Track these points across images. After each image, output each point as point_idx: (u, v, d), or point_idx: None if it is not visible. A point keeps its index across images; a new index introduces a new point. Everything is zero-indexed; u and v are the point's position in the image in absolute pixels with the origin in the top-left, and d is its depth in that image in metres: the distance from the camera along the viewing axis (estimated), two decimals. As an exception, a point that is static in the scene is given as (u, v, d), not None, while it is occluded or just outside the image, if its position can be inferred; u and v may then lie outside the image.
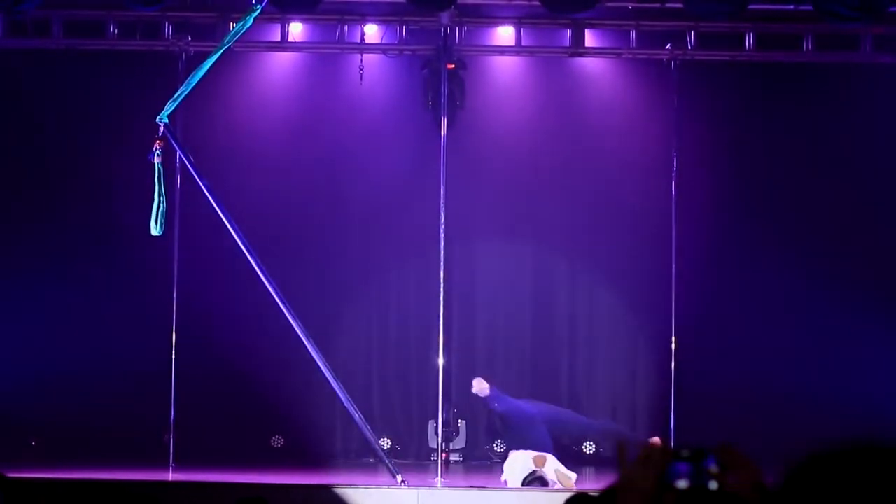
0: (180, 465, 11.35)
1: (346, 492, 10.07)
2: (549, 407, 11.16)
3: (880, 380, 12.97)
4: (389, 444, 12.75)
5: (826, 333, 13.13)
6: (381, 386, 13.29)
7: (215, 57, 10.17)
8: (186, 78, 10.30)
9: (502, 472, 10.76)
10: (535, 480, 10.50)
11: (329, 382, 10.33)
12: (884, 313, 13.11)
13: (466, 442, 13.23)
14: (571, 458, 13.23)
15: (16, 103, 13.28)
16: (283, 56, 13.49)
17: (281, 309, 10.39)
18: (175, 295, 11.82)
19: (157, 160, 10.03)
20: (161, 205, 10.04)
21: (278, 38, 12.98)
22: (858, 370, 13.06)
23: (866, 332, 13.07)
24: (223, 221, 10.35)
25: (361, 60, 13.12)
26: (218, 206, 10.38)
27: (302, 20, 12.99)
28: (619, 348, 13.43)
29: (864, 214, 13.35)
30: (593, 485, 11.20)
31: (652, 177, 13.26)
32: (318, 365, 10.32)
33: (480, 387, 11.19)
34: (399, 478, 10.09)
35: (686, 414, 12.02)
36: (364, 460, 11.94)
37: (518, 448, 10.65)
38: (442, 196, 11.33)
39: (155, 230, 10.05)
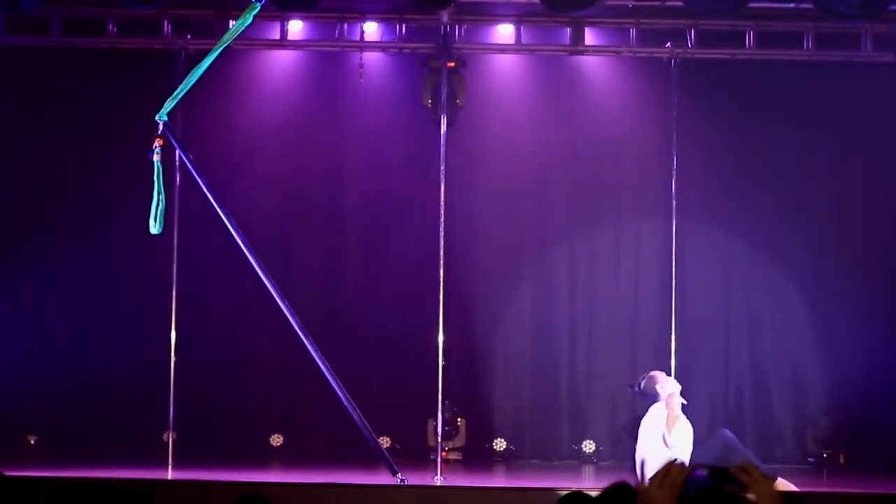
0: (179, 463, 11.34)
1: (345, 490, 10.06)
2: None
3: (885, 366, 13.00)
4: (389, 442, 12.74)
5: (829, 328, 13.13)
6: (380, 384, 13.28)
7: (214, 55, 10.15)
8: (186, 76, 10.28)
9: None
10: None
11: (328, 381, 10.31)
12: (886, 310, 13.12)
13: (466, 440, 13.22)
14: (570, 457, 13.27)
15: (14, 101, 13.26)
16: (283, 54, 13.48)
17: (280, 307, 10.38)
18: (174, 293, 11.80)
19: (156, 158, 10.01)
20: (160, 203, 10.02)
21: (278, 36, 12.98)
22: (865, 364, 13.06)
23: (872, 328, 13.08)
24: (222, 219, 10.34)
25: (361, 58, 13.12)
26: (217, 204, 10.37)
27: (301, 18, 12.99)
28: (619, 347, 13.41)
29: (865, 211, 13.36)
30: (594, 483, 11.21)
31: (652, 175, 13.26)
32: (316, 363, 10.31)
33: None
34: (398, 476, 10.08)
35: (685, 413, 12.00)
36: (363, 459, 11.91)
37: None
38: (442, 194, 11.32)
39: (154, 228, 10.02)
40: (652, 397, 9.84)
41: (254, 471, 11.56)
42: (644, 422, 9.76)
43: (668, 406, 9.66)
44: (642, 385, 9.94)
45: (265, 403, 13.37)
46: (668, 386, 9.80)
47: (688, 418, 9.78)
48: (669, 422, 9.57)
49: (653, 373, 9.99)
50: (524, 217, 13.57)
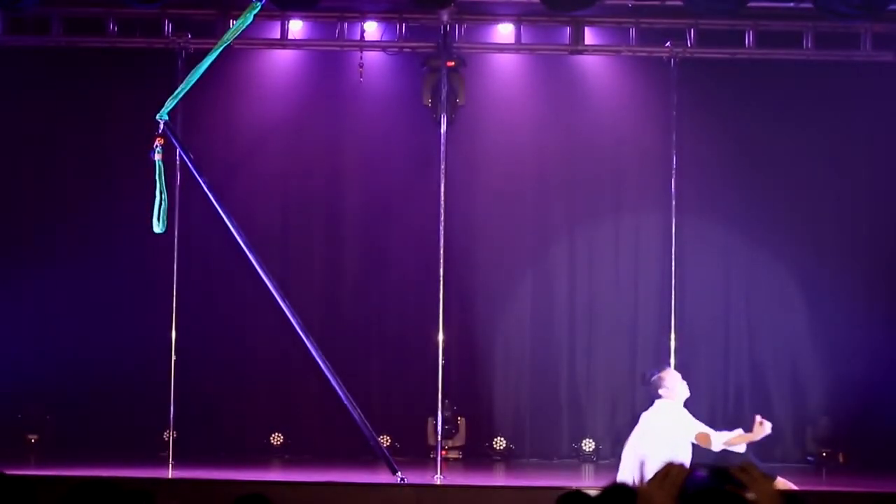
0: (180, 462, 11.35)
1: (345, 489, 10.08)
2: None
3: (885, 366, 13.00)
4: (389, 441, 12.75)
5: (828, 327, 13.13)
6: (380, 383, 13.29)
7: (215, 54, 10.16)
8: (186, 75, 10.29)
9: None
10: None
11: (328, 380, 10.33)
12: (885, 310, 13.13)
13: (466, 439, 13.23)
14: (570, 456, 13.28)
15: (14, 101, 13.27)
16: (283, 53, 13.48)
17: (280, 306, 10.39)
18: (174, 293, 11.81)
19: (157, 157, 10.03)
20: (163, 202, 10.04)
21: (278, 36, 12.99)
22: (865, 364, 13.06)
23: (872, 328, 13.09)
24: (223, 218, 10.35)
25: (361, 58, 13.12)
26: (217, 202, 10.38)
27: (301, 18, 13.00)
28: (619, 346, 13.41)
29: (865, 210, 13.36)
30: (594, 482, 11.21)
31: (651, 174, 13.27)
32: (317, 362, 10.32)
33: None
34: (398, 475, 10.09)
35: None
36: (363, 458, 11.93)
37: None
38: (442, 193, 11.33)
39: (157, 227, 10.04)
40: (655, 395, 9.77)
41: (254, 470, 11.57)
42: (645, 418, 9.63)
43: (755, 434, 9.41)
44: (652, 379, 9.88)
45: (265, 403, 13.37)
46: (673, 389, 9.65)
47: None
48: (737, 439, 9.39)
49: (664, 372, 9.81)
50: (524, 216, 13.57)
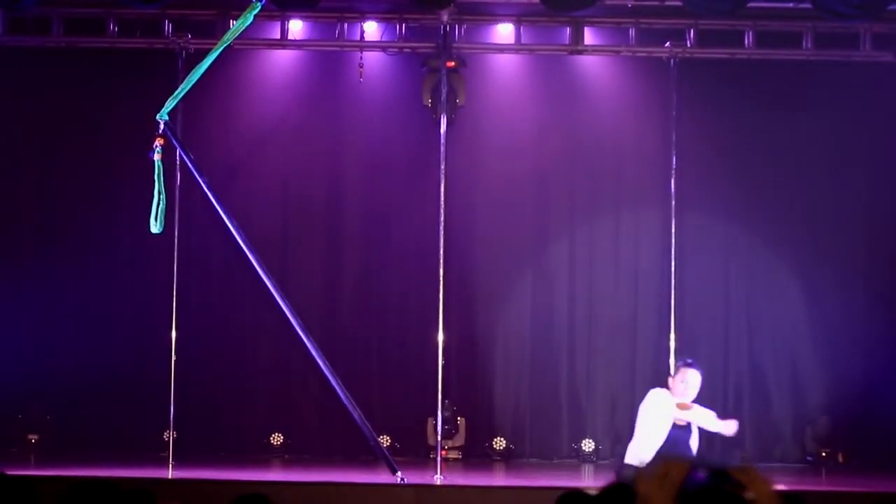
0: (180, 462, 11.35)
1: (344, 489, 10.08)
2: None
3: (884, 365, 13.01)
4: (388, 441, 12.75)
5: (828, 327, 13.13)
6: (380, 383, 13.29)
7: (215, 54, 10.16)
8: (186, 76, 10.30)
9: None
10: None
11: (328, 380, 10.33)
12: (885, 309, 13.13)
13: (466, 439, 13.23)
14: (570, 456, 13.28)
15: (14, 101, 13.27)
16: (283, 54, 13.49)
17: (280, 306, 10.39)
18: (175, 292, 11.82)
19: (157, 157, 10.03)
20: (161, 202, 10.03)
21: (278, 36, 13.00)
22: (864, 363, 13.07)
23: (872, 327, 13.09)
24: (222, 219, 10.35)
25: (361, 58, 13.13)
26: (217, 203, 10.38)
27: (301, 18, 13.01)
28: (619, 346, 13.42)
29: (864, 210, 13.36)
30: (594, 482, 11.21)
31: (651, 174, 13.28)
32: (317, 362, 10.32)
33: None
34: (398, 475, 10.09)
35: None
36: (363, 458, 11.93)
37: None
38: (441, 193, 11.34)
39: (155, 228, 10.04)
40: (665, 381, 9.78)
41: (254, 469, 11.57)
42: (641, 414, 9.61)
43: (721, 424, 9.47)
44: (676, 365, 9.87)
45: (265, 402, 13.38)
46: (675, 387, 9.61)
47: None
48: (709, 420, 9.44)
49: (687, 369, 9.73)
50: (524, 217, 13.57)
